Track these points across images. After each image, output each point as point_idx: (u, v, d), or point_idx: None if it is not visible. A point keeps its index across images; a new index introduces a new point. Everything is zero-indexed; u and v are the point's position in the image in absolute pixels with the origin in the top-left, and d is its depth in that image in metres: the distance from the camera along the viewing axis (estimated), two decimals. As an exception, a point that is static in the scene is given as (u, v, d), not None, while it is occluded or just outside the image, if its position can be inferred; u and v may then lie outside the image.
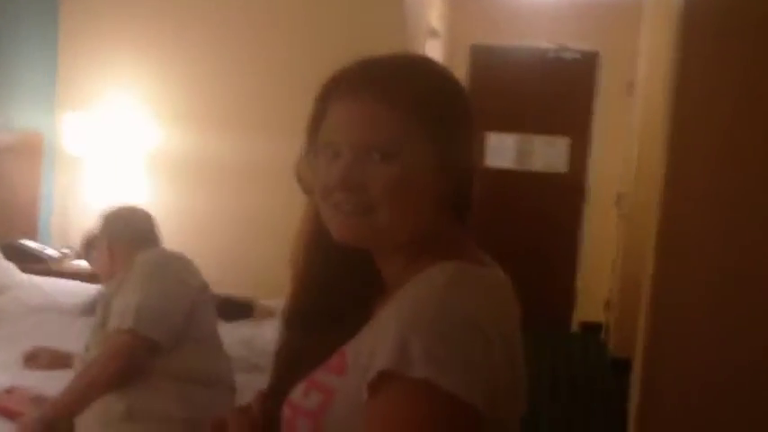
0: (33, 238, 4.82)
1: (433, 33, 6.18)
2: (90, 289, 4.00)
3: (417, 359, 0.99)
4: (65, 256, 4.68)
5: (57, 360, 3.07)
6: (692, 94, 3.24)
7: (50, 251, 4.67)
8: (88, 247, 3.06)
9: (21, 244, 4.57)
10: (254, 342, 3.51)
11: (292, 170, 1.23)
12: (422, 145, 1.11)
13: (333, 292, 1.23)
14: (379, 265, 1.20)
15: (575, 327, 7.31)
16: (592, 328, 7.09)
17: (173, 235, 3.02)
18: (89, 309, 3.76)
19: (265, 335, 3.53)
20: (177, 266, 2.75)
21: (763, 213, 3.21)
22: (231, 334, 3.49)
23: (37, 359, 3.09)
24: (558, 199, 7.31)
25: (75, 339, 3.46)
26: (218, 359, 2.77)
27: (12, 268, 4.29)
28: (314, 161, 1.17)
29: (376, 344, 1.05)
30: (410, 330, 1.01)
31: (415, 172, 1.11)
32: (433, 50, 6.23)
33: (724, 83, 3.20)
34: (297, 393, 1.13)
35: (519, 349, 1.14)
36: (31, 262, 4.46)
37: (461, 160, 1.16)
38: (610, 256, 6.97)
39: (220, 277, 3.94)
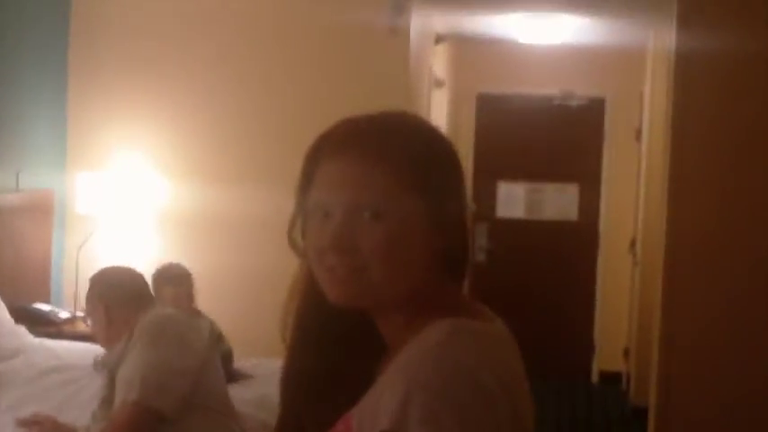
0: (45, 299, 4.81)
1: (439, 83, 6.21)
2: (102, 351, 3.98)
3: (416, 419, 0.98)
4: (77, 317, 4.66)
5: (57, 429, 3.04)
6: (690, 140, 3.27)
7: (62, 313, 4.65)
8: (86, 313, 3.04)
9: (31, 307, 4.55)
10: (265, 400, 3.46)
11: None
12: (412, 201, 1.11)
13: (331, 354, 1.21)
14: (379, 326, 1.19)
15: (595, 376, 7.23)
16: (612, 377, 7.01)
17: None
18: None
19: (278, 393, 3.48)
20: (180, 329, 2.71)
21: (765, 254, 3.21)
22: (242, 392, 3.45)
23: (40, 425, 3.04)
24: (571, 247, 7.28)
25: (86, 403, 3.44)
26: (228, 422, 2.71)
27: (23, 332, 4.27)
28: (304, 223, 1.16)
29: (378, 406, 1.04)
30: (409, 390, 1.00)
31: (406, 229, 1.11)
32: (439, 100, 6.25)
33: (721, 128, 3.22)
34: None
35: (526, 401, 1.11)
36: (43, 325, 4.44)
37: (452, 215, 1.16)
38: (627, 302, 6.91)
39: (232, 335, 3.92)
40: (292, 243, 1.19)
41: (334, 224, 1.10)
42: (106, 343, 2.86)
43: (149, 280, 3.73)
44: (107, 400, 2.59)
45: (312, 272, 1.16)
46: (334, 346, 1.21)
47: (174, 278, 3.84)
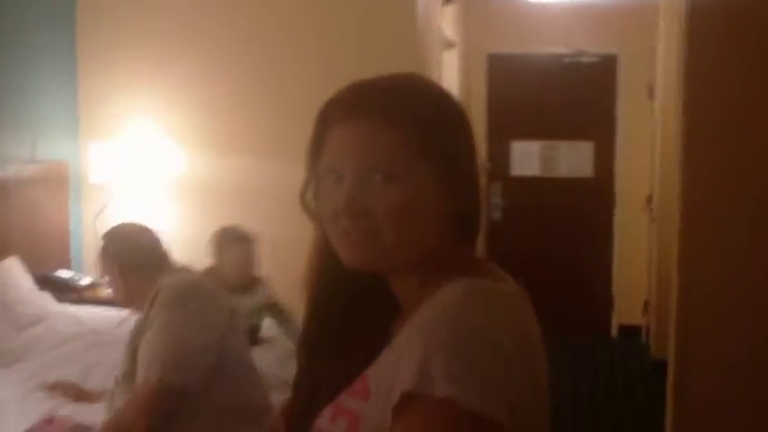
0: (66, 267, 4.87)
1: (449, 44, 6.18)
2: (124, 314, 4.03)
3: (438, 378, 0.99)
4: (98, 283, 4.72)
5: (82, 395, 3.05)
6: (702, 94, 3.25)
7: (84, 279, 4.71)
8: (102, 272, 2.94)
9: (53, 275, 4.62)
10: (288, 361, 3.49)
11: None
12: (423, 163, 1.12)
13: (348, 316, 1.23)
14: (393, 287, 1.20)
15: (614, 330, 7.26)
16: (632, 331, 7.04)
17: (199, 260, 2.94)
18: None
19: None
20: (202, 300, 2.61)
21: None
22: (264, 354, 3.50)
23: (63, 391, 3.07)
24: (588, 204, 7.28)
25: (109, 368, 3.49)
26: (252, 386, 2.69)
27: (47, 298, 4.33)
28: (317, 187, 1.18)
29: (396, 367, 1.05)
30: (428, 351, 1.02)
31: (417, 191, 1.11)
32: (450, 61, 6.23)
33: (733, 81, 3.20)
34: (324, 420, 1.14)
35: (540, 358, 1.13)
36: (66, 291, 4.51)
37: (464, 176, 1.17)
38: (645, 257, 6.92)
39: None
40: (305, 206, 1.20)
41: (346, 187, 1.11)
42: (126, 304, 2.81)
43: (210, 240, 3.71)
44: (130, 373, 2.54)
45: (326, 236, 1.17)
46: (349, 308, 1.23)
47: (239, 240, 3.74)
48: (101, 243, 2.80)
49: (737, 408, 3.31)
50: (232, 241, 3.73)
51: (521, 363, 1.05)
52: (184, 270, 2.78)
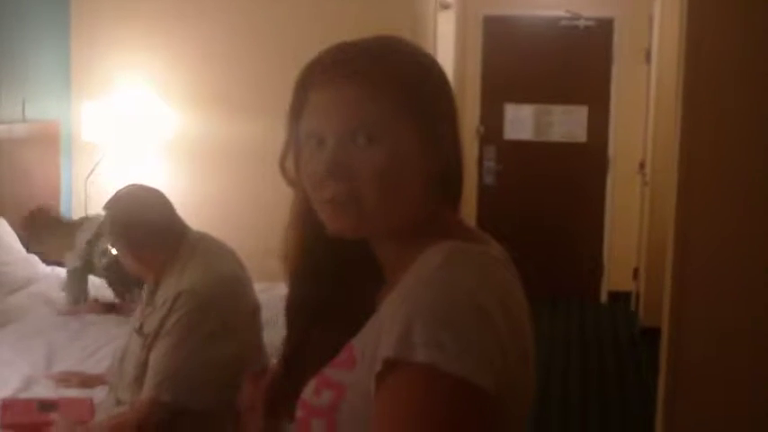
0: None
1: (445, 5, 6.13)
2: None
3: (420, 344, 0.98)
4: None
5: (87, 381, 2.92)
6: (703, 59, 3.22)
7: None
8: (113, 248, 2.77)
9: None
10: (270, 324, 3.45)
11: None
12: (405, 125, 1.10)
13: (332, 283, 1.21)
14: (377, 254, 1.18)
15: (603, 296, 7.28)
16: (621, 298, 7.06)
17: (192, 219, 2.89)
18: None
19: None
20: (226, 308, 2.45)
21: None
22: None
23: (67, 382, 2.93)
24: (580, 168, 7.27)
25: (97, 333, 3.47)
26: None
27: (35, 260, 4.31)
28: (297, 152, 1.15)
29: (380, 334, 1.03)
30: (411, 316, 1.00)
31: (401, 153, 1.09)
32: (445, 22, 6.18)
33: (736, 47, 3.17)
34: (308, 392, 1.12)
35: (525, 322, 1.11)
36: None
37: (447, 139, 1.15)
38: (636, 224, 6.93)
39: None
40: (284, 172, 1.18)
41: (328, 151, 1.09)
42: (145, 279, 2.59)
43: None
44: (141, 363, 2.41)
45: (309, 201, 1.15)
46: (334, 275, 1.21)
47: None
48: (107, 220, 2.61)
49: (731, 375, 3.32)
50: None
51: (504, 326, 1.03)
52: (202, 240, 2.59)
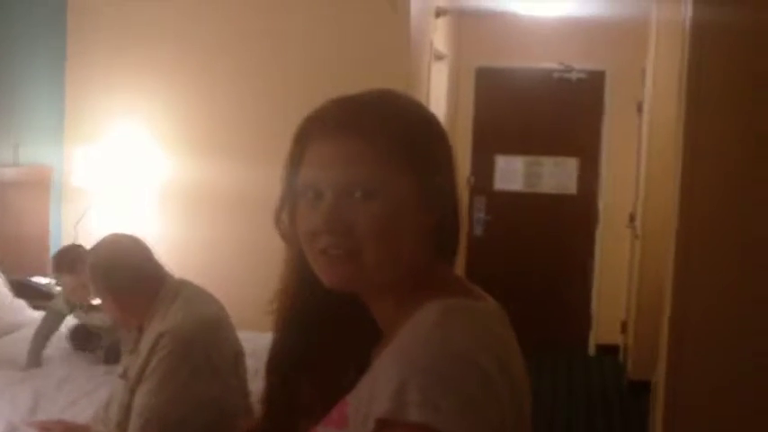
0: (43, 273, 4.80)
1: (439, 56, 6.18)
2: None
3: (413, 403, 0.96)
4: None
5: (71, 430, 2.88)
6: (705, 111, 3.23)
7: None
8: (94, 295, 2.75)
9: (30, 281, 4.54)
10: (260, 374, 3.42)
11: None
12: (404, 179, 1.10)
13: (325, 339, 1.20)
14: (372, 309, 1.17)
15: (592, 349, 7.25)
16: (609, 351, 7.03)
17: (183, 266, 2.88)
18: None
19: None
20: (208, 350, 2.47)
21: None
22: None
23: (50, 431, 2.90)
24: (570, 220, 7.28)
25: (85, 380, 3.43)
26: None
27: (22, 306, 4.27)
28: (293, 206, 1.14)
29: (373, 391, 1.02)
30: (405, 375, 0.98)
31: (397, 208, 1.09)
32: (439, 73, 6.22)
33: (737, 99, 3.19)
34: None
35: (522, 377, 1.10)
36: (41, 298, 4.42)
37: (443, 192, 1.15)
38: (624, 277, 6.92)
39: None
40: (278, 225, 1.18)
41: (326, 205, 1.09)
42: (126, 327, 2.64)
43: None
44: (124, 406, 2.43)
45: (303, 255, 1.14)
46: (327, 331, 1.20)
47: (72, 264, 3.56)
48: (88, 268, 2.62)
49: (727, 427, 3.30)
50: (66, 266, 3.58)
51: (502, 383, 1.01)
52: (183, 285, 2.62)
